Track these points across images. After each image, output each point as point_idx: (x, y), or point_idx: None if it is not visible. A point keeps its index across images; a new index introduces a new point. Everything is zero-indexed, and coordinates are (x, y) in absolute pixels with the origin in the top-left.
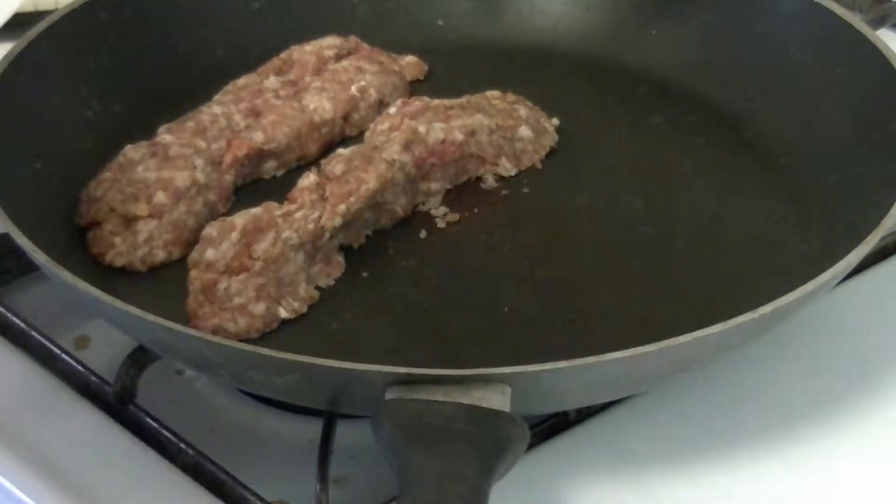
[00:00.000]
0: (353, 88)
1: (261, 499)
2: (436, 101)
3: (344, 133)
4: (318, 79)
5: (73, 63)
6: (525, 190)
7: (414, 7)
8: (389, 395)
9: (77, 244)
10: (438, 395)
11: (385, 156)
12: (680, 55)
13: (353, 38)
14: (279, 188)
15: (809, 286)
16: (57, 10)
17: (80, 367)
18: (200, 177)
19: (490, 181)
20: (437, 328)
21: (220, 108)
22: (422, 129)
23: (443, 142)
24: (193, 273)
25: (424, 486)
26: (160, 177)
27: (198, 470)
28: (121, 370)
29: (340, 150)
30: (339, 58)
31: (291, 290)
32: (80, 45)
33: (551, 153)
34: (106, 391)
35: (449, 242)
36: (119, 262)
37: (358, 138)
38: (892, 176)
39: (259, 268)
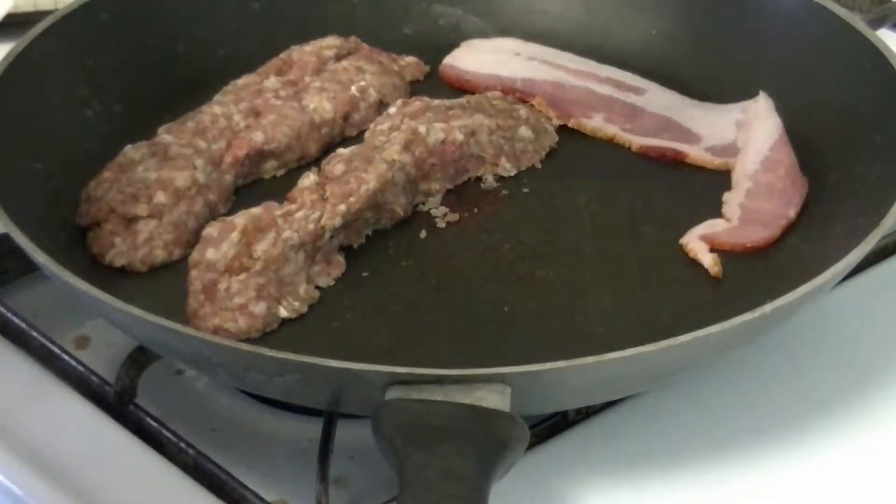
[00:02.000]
0: (353, 88)
1: (261, 499)
2: (436, 101)
3: (344, 133)
4: (318, 79)
5: (73, 63)
6: (525, 190)
7: (414, 7)
8: (389, 395)
9: (77, 244)
10: (439, 395)
11: (385, 156)
12: (680, 55)
13: (353, 38)
14: (279, 188)
15: (809, 286)
16: (57, 10)
17: (80, 367)
18: (200, 177)
19: (490, 181)
20: (437, 328)
21: (220, 108)
22: (422, 129)
23: (443, 142)
24: (194, 273)
25: (424, 486)
26: (160, 177)
27: (198, 470)
28: (121, 370)
29: (340, 150)
30: (339, 58)
31: (292, 290)
32: (80, 45)
33: (551, 153)
34: (106, 391)
35: (449, 242)
36: (119, 262)
37: (358, 138)
38: (892, 176)
39: (259, 268)
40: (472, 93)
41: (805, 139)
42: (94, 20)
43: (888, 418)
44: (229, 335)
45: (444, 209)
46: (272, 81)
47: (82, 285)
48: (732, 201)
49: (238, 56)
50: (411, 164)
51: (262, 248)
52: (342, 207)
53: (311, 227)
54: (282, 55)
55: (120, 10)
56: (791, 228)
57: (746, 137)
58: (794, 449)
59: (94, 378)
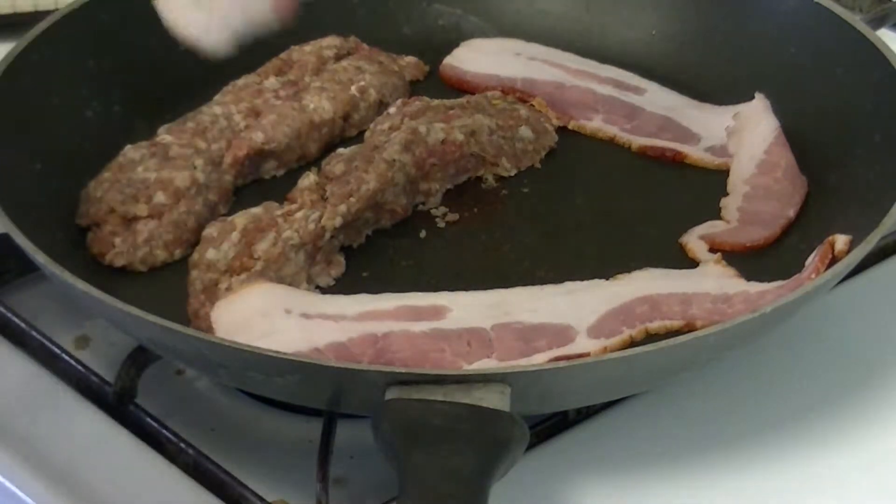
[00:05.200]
0: (353, 88)
1: (261, 499)
2: (436, 101)
3: (344, 133)
4: (318, 79)
5: (73, 63)
6: (525, 190)
7: (414, 7)
8: (389, 395)
9: (77, 244)
10: (438, 394)
11: (385, 156)
12: (680, 55)
13: (352, 38)
14: (279, 188)
15: (809, 286)
16: (57, 10)
17: (80, 367)
18: (200, 177)
19: (490, 181)
20: None
21: (220, 108)
22: (422, 129)
23: (443, 142)
24: (194, 273)
25: (424, 486)
26: (160, 177)
27: (198, 470)
28: (121, 370)
29: (340, 150)
30: (339, 58)
31: None
32: (80, 45)
33: (551, 153)
34: (106, 391)
35: (449, 242)
36: (119, 262)
37: (358, 138)
38: (892, 176)
39: (260, 268)
40: (472, 93)
41: (805, 139)
42: (95, 20)
43: (889, 417)
44: None
45: (444, 209)
46: (272, 81)
47: (82, 285)
48: (730, 205)
49: (238, 56)
50: (411, 164)
51: (262, 248)
52: (342, 207)
53: (312, 227)
54: (282, 55)
55: (120, 10)
56: (791, 228)
57: (738, 143)
58: (794, 449)
59: (94, 378)
